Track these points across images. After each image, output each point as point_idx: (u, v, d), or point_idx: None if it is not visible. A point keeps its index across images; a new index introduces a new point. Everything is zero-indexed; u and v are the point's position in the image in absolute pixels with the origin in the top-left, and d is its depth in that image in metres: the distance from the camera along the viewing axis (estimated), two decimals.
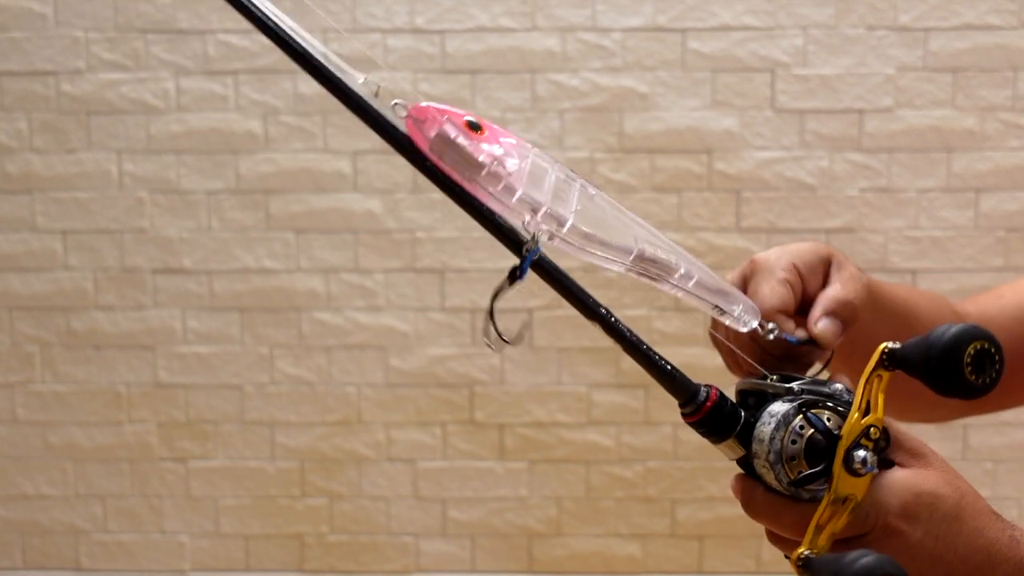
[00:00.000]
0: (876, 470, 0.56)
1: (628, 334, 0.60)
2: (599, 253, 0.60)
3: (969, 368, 0.55)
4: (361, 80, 0.57)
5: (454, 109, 0.57)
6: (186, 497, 2.07)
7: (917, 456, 0.60)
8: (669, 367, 0.61)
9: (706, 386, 0.61)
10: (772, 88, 1.95)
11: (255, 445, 2.05)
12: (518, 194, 0.56)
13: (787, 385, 0.61)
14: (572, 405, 2.01)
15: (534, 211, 0.57)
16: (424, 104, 0.57)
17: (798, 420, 0.58)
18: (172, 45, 1.98)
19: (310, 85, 1.98)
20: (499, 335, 0.60)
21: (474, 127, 0.57)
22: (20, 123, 2.00)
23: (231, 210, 2.01)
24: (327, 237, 2.00)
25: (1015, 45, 1.93)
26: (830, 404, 0.59)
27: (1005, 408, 0.83)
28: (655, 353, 0.61)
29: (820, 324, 0.66)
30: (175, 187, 2.00)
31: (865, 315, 0.69)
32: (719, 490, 2.00)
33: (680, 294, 0.62)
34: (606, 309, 0.61)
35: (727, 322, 0.65)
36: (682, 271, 0.61)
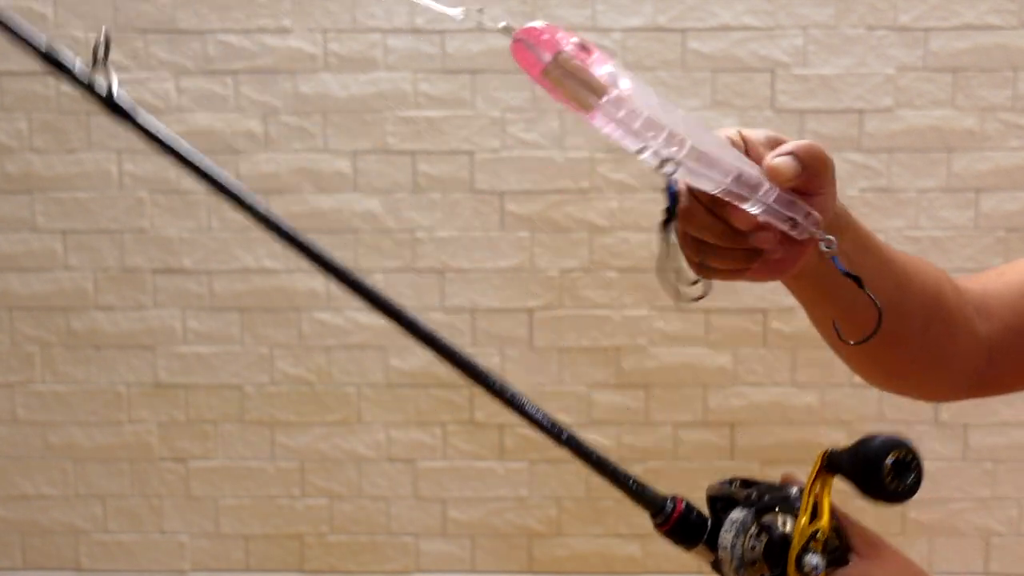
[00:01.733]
0: (826, 570, 0.60)
1: (594, 455, 0.63)
2: (706, 174, 0.57)
3: (889, 477, 0.59)
4: (459, 12, 0.55)
5: (561, 29, 0.53)
6: (186, 497, 2.07)
7: (873, 546, 0.63)
8: (633, 483, 0.64)
9: (672, 498, 0.65)
10: (772, 88, 1.95)
11: (255, 445, 2.06)
12: (644, 117, 0.54)
13: (747, 491, 0.64)
14: (572, 405, 2.01)
15: (655, 135, 0.55)
16: (533, 25, 0.53)
17: (754, 528, 0.62)
18: (172, 45, 1.98)
19: (310, 85, 1.99)
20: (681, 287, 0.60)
21: (584, 49, 0.53)
22: (20, 123, 2.00)
23: (231, 210, 2.00)
24: (327, 237, 2.00)
25: (1015, 45, 1.93)
26: (787, 508, 0.62)
27: (1018, 390, 0.82)
28: (622, 471, 0.64)
29: (777, 159, 0.60)
30: (175, 187, 2.00)
31: (849, 246, 0.65)
32: None
33: (757, 210, 0.59)
34: (568, 432, 0.63)
35: (796, 234, 0.61)
36: (766, 186, 0.59)
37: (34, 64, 0.58)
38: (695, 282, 0.61)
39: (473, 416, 2.03)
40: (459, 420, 2.03)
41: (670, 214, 0.59)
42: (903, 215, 1.96)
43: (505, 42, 1.92)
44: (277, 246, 2.21)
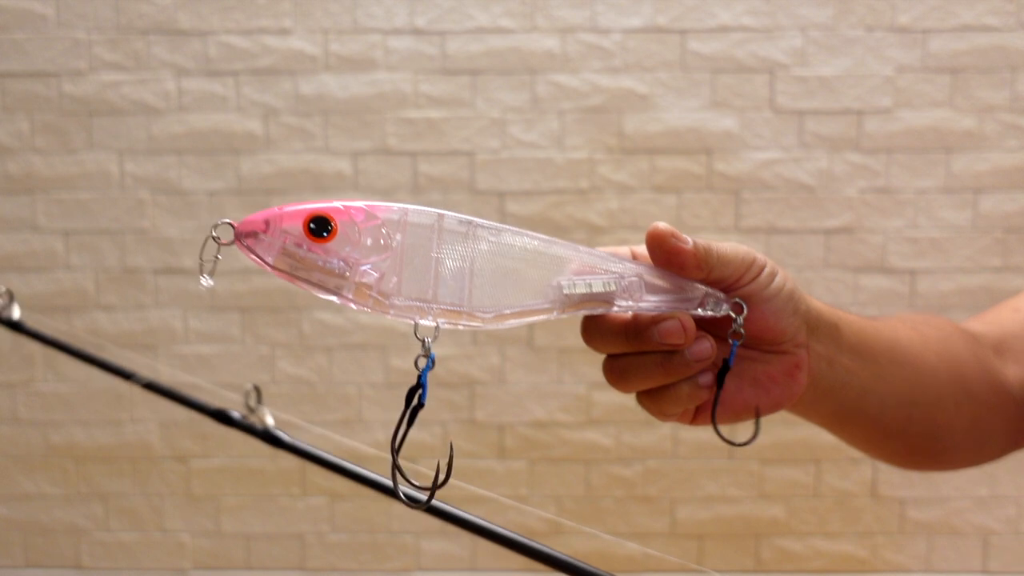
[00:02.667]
0: None
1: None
2: (515, 320, 0.51)
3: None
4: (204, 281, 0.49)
5: (294, 207, 0.47)
6: (187, 496, 2.08)
7: None
8: None
9: None
10: (771, 89, 1.96)
11: (256, 444, 2.05)
12: (396, 303, 0.48)
13: None
14: (572, 405, 2.02)
15: (425, 310, 0.48)
16: (254, 217, 0.46)
17: None
18: (173, 46, 1.98)
19: (310, 85, 2.00)
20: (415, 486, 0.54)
21: (321, 228, 0.46)
22: (22, 124, 2.00)
23: (232, 210, 2.01)
24: None
25: (1013, 46, 1.93)
26: None
27: None
28: None
29: (660, 222, 0.55)
30: (176, 187, 2.01)
31: (824, 348, 0.60)
32: (718, 490, 2.01)
33: (626, 303, 0.54)
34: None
35: (699, 312, 0.56)
36: (625, 303, 0.53)
37: (35, 64, 0.59)
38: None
39: (473, 416, 2.03)
40: (459, 420, 2.03)
41: (418, 405, 0.50)
42: (902, 215, 1.96)
43: (506, 43, 1.92)
44: None
